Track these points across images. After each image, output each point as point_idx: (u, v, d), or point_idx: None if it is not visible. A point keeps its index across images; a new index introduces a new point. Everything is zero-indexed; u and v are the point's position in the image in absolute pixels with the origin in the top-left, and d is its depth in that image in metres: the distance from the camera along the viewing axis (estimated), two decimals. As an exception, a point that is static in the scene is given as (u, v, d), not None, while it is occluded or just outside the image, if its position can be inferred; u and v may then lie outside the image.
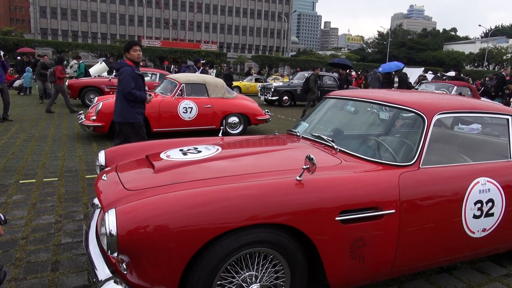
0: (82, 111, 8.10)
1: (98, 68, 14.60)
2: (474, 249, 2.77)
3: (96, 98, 8.88)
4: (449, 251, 2.65)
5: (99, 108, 7.40)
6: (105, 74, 14.11)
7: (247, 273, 2.09)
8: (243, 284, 2.08)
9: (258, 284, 2.11)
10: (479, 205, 2.61)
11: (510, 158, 2.92)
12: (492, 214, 2.68)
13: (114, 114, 5.02)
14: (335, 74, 16.99)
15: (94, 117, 7.37)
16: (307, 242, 2.14)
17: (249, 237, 1.98)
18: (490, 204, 2.65)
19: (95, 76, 13.85)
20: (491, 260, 3.28)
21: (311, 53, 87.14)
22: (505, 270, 3.13)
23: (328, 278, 2.21)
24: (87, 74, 14.83)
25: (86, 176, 5.19)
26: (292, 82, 17.24)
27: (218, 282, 2.03)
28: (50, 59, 18.57)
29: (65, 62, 12.80)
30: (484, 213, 2.64)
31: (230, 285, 2.06)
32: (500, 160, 2.90)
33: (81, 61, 15.59)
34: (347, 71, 13.94)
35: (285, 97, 16.25)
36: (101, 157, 3.08)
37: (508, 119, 3.01)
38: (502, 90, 13.94)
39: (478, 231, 2.66)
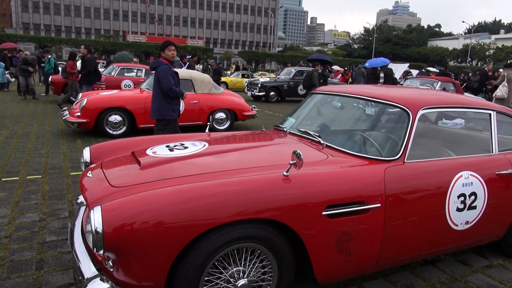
0: (66, 107, 7.97)
1: (82, 64, 14.35)
2: (457, 242, 2.82)
3: (80, 94, 8.74)
4: (433, 243, 2.70)
5: (84, 104, 7.30)
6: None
7: (235, 269, 2.09)
8: (231, 280, 2.08)
9: (246, 279, 2.11)
10: (462, 198, 2.65)
11: (492, 152, 2.98)
12: (475, 207, 2.74)
13: (151, 112, 5.28)
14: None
15: (79, 114, 7.26)
16: (294, 237, 2.16)
17: (236, 233, 1.99)
18: (473, 197, 2.71)
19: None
20: (474, 252, 3.35)
21: (298, 49, 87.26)
22: (487, 261, 3.20)
23: (315, 272, 2.23)
24: (56, 70, 14.35)
25: (71, 173, 5.12)
26: (279, 78, 17.25)
27: (206, 278, 2.02)
28: (33, 54, 18.15)
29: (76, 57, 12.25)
30: (467, 206, 2.69)
31: (217, 281, 2.06)
32: (483, 154, 2.96)
33: (49, 56, 15.00)
34: (325, 66, 13.95)
35: (272, 93, 16.26)
36: (86, 153, 3.04)
37: (490, 114, 3.06)
38: (485, 86, 14.20)
39: (461, 223, 2.71)
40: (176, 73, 5.22)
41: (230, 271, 2.08)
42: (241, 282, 2.10)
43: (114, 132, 7.53)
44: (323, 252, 2.20)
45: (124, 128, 7.64)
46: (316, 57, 15.91)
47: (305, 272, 2.30)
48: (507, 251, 3.23)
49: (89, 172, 2.60)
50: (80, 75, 9.98)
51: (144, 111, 7.58)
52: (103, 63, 20.81)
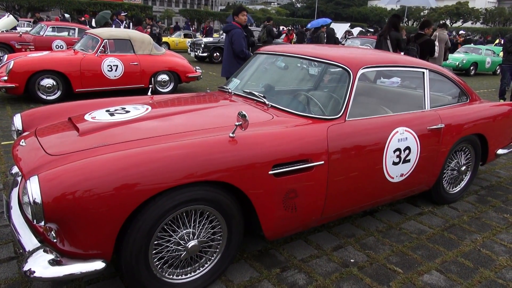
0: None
1: (5, 22, 13.04)
2: (393, 193, 3.04)
3: (6, 56, 7.96)
4: (372, 196, 2.89)
5: (10, 67, 6.68)
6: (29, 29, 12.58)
7: (185, 231, 2.11)
8: (181, 242, 2.10)
9: (196, 240, 2.14)
10: (397, 152, 2.84)
11: (425, 109, 3.18)
12: (408, 160, 2.94)
13: (224, 70, 5.96)
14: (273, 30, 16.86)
15: (6, 78, 6.65)
16: (242, 197, 2.20)
17: (184, 196, 1.99)
18: (407, 151, 2.90)
19: (2, 31, 12.37)
20: (408, 201, 3.64)
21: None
22: (419, 209, 3.50)
23: (263, 229, 2.31)
24: None
25: (2, 143, 4.76)
26: (222, 38, 16.83)
27: (155, 242, 2.03)
28: None
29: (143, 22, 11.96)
30: (402, 159, 2.89)
31: (167, 244, 2.08)
32: (416, 111, 3.15)
33: None
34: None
35: (216, 53, 15.89)
36: (17, 121, 2.83)
37: (423, 72, 3.24)
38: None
39: (396, 176, 2.91)
40: (247, 36, 5.86)
41: (180, 234, 2.09)
42: (191, 243, 2.13)
43: (48, 97, 7.03)
44: (270, 209, 2.27)
45: (58, 93, 7.15)
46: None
47: (254, 229, 2.37)
48: (436, 199, 3.54)
49: (22, 140, 2.43)
50: None
51: (80, 73, 7.11)
52: (30, 21, 18.99)
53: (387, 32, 6.80)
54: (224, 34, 6.00)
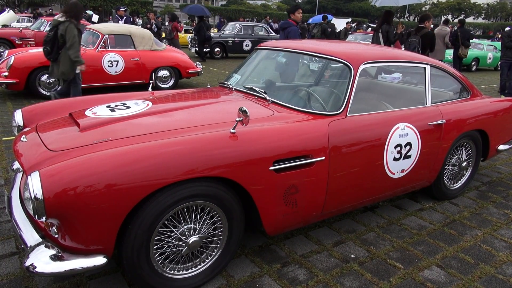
0: None
1: (5, 18, 13.01)
2: (394, 189, 3.04)
3: (6, 51, 7.95)
4: (373, 191, 2.89)
5: (11, 63, 6.67)
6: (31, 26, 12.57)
7: (185, 227, 2.11)
8: (182, 237, 2.11)
9: (197, 236, 2.15)
10: (398, 148, 2.83)
11: (426, 104, 3.17)
12: (409, 156, 2.94)
13: None
14: (275, 25, 16.89)
15: (6, 73, 6.65)
16: (242, 192, 2.20)
17: (185, 192, 1.99)
18: (408, 147, 2.90)
19: (1, 27, 12.34)
20: (408, 197, 3.64)
21: (242, 3, 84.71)
22: (419, 205, 3.50)
23: (264, 225, 2.31)
24: None
25: (3, 139, 4.77)
26: (223, 33, 16.78)
27: (156, 237, 2.03)
28: None
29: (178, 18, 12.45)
30: (403, 155, 2.88)
31: (168, 240, 2.08)
32: (418, 106, 3.14)
33: None
34: (202, 19, 13.96)
35: (217, 49, 15.83)
36: (18, 116, 2.83)
37: (425, 68, 3.23)
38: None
39: (397, 172, 2.91)
40: (302, 32, 6.30)
41: (181, 229, 2.10)
42: (192, 239, 2.13)
43: (49, 93, 7.02)
44: (271, 205, 2.28)
45: (59, 89, 7.13)
46: (191, 11, 15.72)
47: (254, 225, 2.38)
48: (436, 195, 3.54)
49: (23, 136, 2.43)
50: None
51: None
52: (30, 17, 18.95)
53: (380, 26, 7.57)
54: (280, 30, 6.33)
